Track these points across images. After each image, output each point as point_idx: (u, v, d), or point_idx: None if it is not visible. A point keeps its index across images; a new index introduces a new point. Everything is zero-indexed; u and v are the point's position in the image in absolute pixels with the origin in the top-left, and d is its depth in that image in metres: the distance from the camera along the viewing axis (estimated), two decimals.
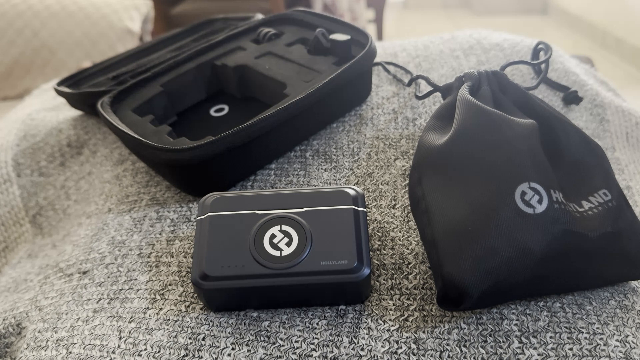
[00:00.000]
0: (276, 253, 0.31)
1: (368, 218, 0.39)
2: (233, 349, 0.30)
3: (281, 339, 0.31)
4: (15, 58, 1.16)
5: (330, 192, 0.33)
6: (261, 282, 0.30)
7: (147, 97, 0.49)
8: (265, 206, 0.33)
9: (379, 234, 0.38)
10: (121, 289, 0.36)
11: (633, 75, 2.09)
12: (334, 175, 0.43)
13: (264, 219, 0.32)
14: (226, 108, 0.53)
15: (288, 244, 0.31)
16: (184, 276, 0.36)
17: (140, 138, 0.40)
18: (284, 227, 0.32)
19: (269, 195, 0.33)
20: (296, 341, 0.30)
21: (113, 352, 0.31)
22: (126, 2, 1.29)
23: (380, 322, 0.31)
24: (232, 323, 0.32)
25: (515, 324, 0.31)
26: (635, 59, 2.16)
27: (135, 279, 0.36)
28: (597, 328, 0.30)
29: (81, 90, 0.56)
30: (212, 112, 0.52)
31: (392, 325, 0.31)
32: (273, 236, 0.31)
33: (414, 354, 0.30)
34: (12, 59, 1.16)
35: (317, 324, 0.32)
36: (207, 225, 0.32)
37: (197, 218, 0.33)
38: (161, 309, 0.33)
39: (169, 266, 0.37)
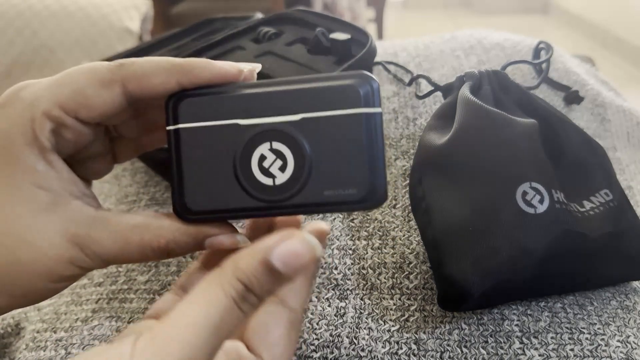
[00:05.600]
0: (268, 181, 0.24)
1: (368, 217, 0.39)
2: None
3: None
4: (15, 58, 1.16)
5: (333, 89, 0.25)
6: (254, 217, 0.26)
7: None
8: (250, 111, 0.25)
9: (380, 233, 0.37)
10: (120, 289, 0.35)
11: (634, 75, 2.09)
12: None
13: (250, 135, 0.24)
14: None
15: (282, 169, 0.24)
16: None
17: None
18: (275, 145, 0.24)
19: (254, 95, 0.26)
20: (296, 342, 0.30)
21: None
22: (125, 1, 1.29)
23: (380, 322, 0.31)
24: None
25: (516, 325, 0.31)
26: (636, 59, 2.16)
27: (134, 279, 0.36)
28: (599, 329, 0.30)
29: None
30: None
31: (393, 326, 0.31)
32: (263, 158, 0.24)
33: (414, 355, 0.29)
34: (12, 59, 1.16)
35: (317, 324, 0.31)
36: (180, 141, 0.25)
37: (167, 128, 0.25)
38: None
39: (168, 266, 0.37)
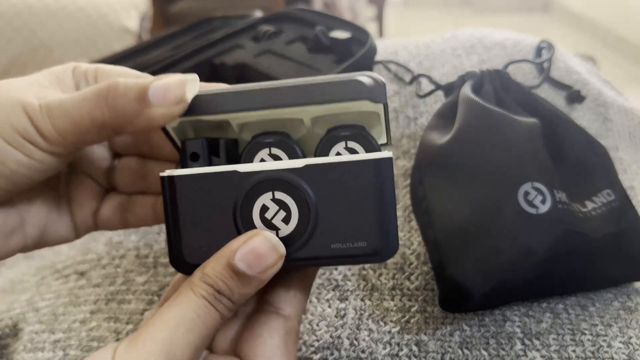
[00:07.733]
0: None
1: None
2: None
3: None
4: (14, 57, 1.16)
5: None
6: None
7: None
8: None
9: None
10: (118, 290, 0.35)
11: (635, 74, 2.08)
12: None
13: (250, 184, 0.22)
14: None
15: (286, 220, 0.22)
16: None
17: None
18: (278, 195, 0.22)
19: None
20: (294, 352, 0.30)
21: None
22: (124, 0, 1.28)
23: (381, 323, 0.31)
24: None
25: (518, 326, 0.30)
26: (637, 58, 2.15)
27: (133, 280, 0.36)
28: (601, 330, 0.30)
29: None
30: None
31: (394, 327, 0.31)
32: (265, 208, 0.22)
33: (415, 357, 0.29)
34: (11, 58, 1.16)
35: (317, 325, 0.31)
36: (175, 190, 0.23)
37: (160, 175, 0.23)
38: None
39: (167, 267, 0.36)
